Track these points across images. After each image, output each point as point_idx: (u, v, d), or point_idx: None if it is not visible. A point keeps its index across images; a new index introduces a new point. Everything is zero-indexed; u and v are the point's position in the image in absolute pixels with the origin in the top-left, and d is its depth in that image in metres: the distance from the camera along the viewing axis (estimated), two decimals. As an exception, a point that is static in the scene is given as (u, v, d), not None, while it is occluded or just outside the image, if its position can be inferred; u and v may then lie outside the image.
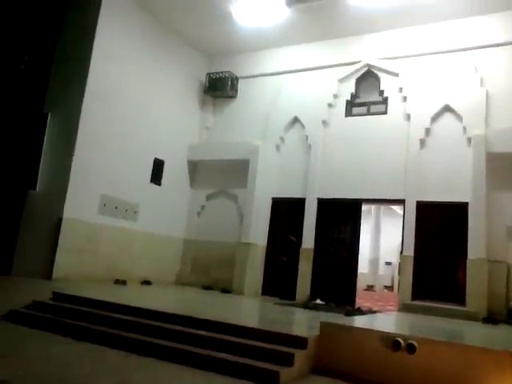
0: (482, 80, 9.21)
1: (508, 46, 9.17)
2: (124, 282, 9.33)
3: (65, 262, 8.69)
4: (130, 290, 8.52)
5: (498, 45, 9.25)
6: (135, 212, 10.40)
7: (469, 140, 8.96)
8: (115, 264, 9.77)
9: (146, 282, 10.06)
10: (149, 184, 10.84)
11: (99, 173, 9.50)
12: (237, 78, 12.08)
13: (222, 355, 4.46)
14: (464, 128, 9.09)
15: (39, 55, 9.94)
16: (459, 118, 9.21)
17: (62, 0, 9.92)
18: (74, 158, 9.01)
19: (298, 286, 9.99)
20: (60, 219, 8.77)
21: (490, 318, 7.76)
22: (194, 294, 9.36)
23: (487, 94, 9.05)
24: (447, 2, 9.10)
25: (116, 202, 9.91)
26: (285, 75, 11.46)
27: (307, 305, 8.63)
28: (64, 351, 4.67)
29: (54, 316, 5.76)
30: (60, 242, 8.71)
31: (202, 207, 11.89)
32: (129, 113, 10.25)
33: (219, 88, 12.03)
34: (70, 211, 8.92)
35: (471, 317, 7.93)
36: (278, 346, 4.51)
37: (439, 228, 9.17)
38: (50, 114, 9.48)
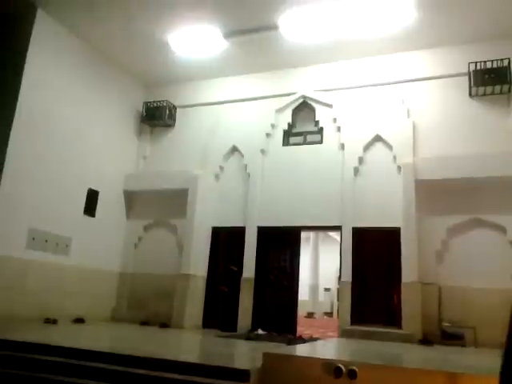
0: (408, 111, 9.79)
1: (431, 81, 9.86)
2: (55, 321, 8.73)
3: (-13, 301, 8.04)
4: (60, 330, 7.97)
5: (422, 79, 9.94)
6: (67, 246, 9.87)
7: (399, 168, 9.42)
8: (45, 302, 9.17)
9: (79, 320, 9.47)
10: (82, 216, 10.37)
11: (28, 205, 8.97)
12: (174, 107, 12.04)
13: (161, 394, 4.24)
14: (394, 157, 9.56)
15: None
16: (389, 147, 9.69)
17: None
18: (0, 191, 8.47)
19: (239, 317, 9.84)
20: (-17, 255, 8.15)
21: (425, 340, 8.02)
22: (131, 330, 8.93)
23: (414, 125, 9.62)
24: (377, 39, 9.67)
25: (46, 236, 9.37)
26: (223, 105, 11.58)
27: (249, 336, 8.49)
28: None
29: (-27, 363, 5.24)
30: (-18, 280, 8.08)
31: (139, 239, 11.53)
32: (61, 142, 9.85)
33: (157, 117, 11.92)
34: (-6, 246, 8.31)
35: (407, 339, 8.15)
36: (219, 380, 4.35)
37: (375, 253, 9.47)
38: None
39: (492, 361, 5.01)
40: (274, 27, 9.49)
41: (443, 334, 8.38)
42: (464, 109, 9.45)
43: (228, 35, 9.93)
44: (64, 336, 7.03)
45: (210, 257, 10.78)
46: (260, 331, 9.27)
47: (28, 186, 9.01)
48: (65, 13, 9.48)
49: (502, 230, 8.61)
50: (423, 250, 8.80)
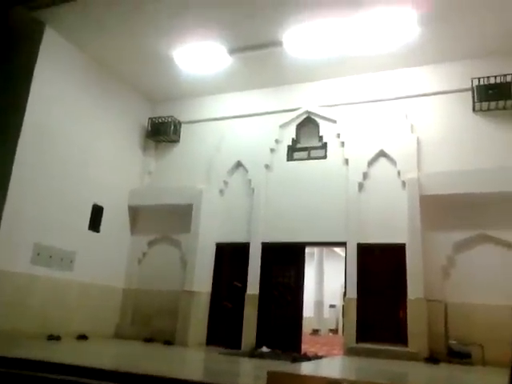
0: (412, 127, 9.79)
1: (434, 96, 9.88)
2: (58, 338, 8.68)
3: (-10, 317, 8.01)
4: (64, 346, 7.92)
5: (426, 94, 9.95)
6: (71, 261, 9.85)
7: (403, 183, 9.37)
8: (49, 318, 9.12)
9: (83, 337, 9.42)
10: (86, 231, 10.37)
11: (33, 220, 8.99)
12: (180, 123, 12.11)
13: (163, 414, 4.17)
14: (398, 172, 9.53)
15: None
16: (393, 162, 9.67)
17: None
18: (6, 205, 8.50)
19: (243, 334, 9.74)
20: (-13, 271, 8.15)
21: (432, 358, 7.90)
22: (134, 347, 8.86)
23: (418, 140, 9.61)
24: (380, 54, 9.73)
25: (50, 251, 9.37)
26: (227, 120, 11.63)
27: (253, 353, 8.40)
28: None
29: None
30: (-14, 295, 8.06)
31: (144, 254, 11.50)
32: (67, 157, 9.90)
33: (162, 133, 11.98)
34: (-1, 262, 8.31)
35: (413, 357, 8.03)
36: (222, 400, 4.29)
37: (380, 269, 9.39)
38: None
39: (500, 380, 4.91)
40: (279, 43, 9.57)
41: (450, 352, 8.24)
42: (468, 124, 9.44)
43: (233, 51, 10.02)
44: (67, 353, 6.97)
45: (214, 273, 10.71)
46: (264, 349, 9.17)
47: (34, 200, 9.03)
48: (72, 30, 9.61)
49: (508, 245, 8.53)
50: (429, 266, 8.71)
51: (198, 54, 10.14)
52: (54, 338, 8.67)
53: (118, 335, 10.77)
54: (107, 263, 10.78)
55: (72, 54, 10.12)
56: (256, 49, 9.85)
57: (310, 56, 9.93)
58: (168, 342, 9.67)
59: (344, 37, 9.19)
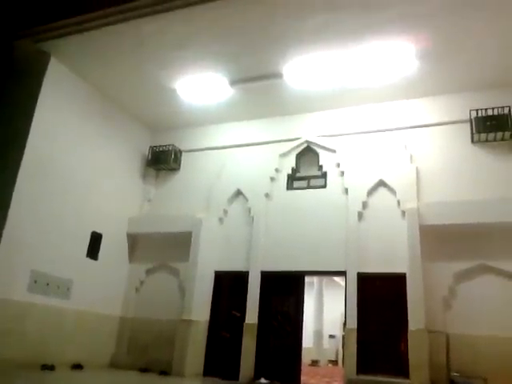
0: (411, 157, 9.87)
1: (433, 127, 9.99)
2: (52, 368, 8.49)
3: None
4: (57, 377, 7.74)
5: (425, 125, 10.07)
6: (68, 289, 9.73)
7: (403, 213, 9.36)
8: (44, 347, 8.94)
9: (78, 366, 9.22)
10: (84, 259, 10.28)
11: (31, 247, 8.92)
12: (180, 152, 12.20)
13: None
14: (398, 201, 9.55)
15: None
16: (393, 192, 9.70)
17: (3, 67, 9.79)
18: (5, 231, 8.47)
19: (241, 365, 9.54)
20: (-17, 298, 8.05)
21: (434, 391, 7.73)
22: (129, 378, 8.66)
23: (417, 170, 9.66)
24: (379, 86, 9.89)
25: (48, 279, 9.27)
26: (228, 149, 11.72)
27: (251, 385, 8.23)
28: None
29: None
30: (-20, 323, 7.94)
31: (141, 282, 11.39)
32: (67, 184, 9.92)
33: (162, 161, 12.06)
34: (-5, 289, 8.22)
35: (415, 390, 7.86)
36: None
37: (381, 299, 9.27)
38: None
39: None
40: (279, 75, 9.74)
41: (452, 384, 8.07)
42: (466, 155, 9.52)
43: (234, 83, 10.18)
44: None
45: (212, 301, 10.58)
46: (263, 380, 8.98)
47: (32, 227, 9.00)
48: (76, 60, 9.79)
49: (509, 276, 8.47)
50: (430, 296, 8.60)
51: (199, 85, 10.32)
52: (47, 367, 8.50)
53: (114, 364, 10.55)
54: (104, 291, 10.66)
55: (75, 83, 10.26)
56: (257, 80, 10.02)
57: (309, 87, 10.10)
58: (164, 373, 9.47)
59: (344, 69, 9.36)
